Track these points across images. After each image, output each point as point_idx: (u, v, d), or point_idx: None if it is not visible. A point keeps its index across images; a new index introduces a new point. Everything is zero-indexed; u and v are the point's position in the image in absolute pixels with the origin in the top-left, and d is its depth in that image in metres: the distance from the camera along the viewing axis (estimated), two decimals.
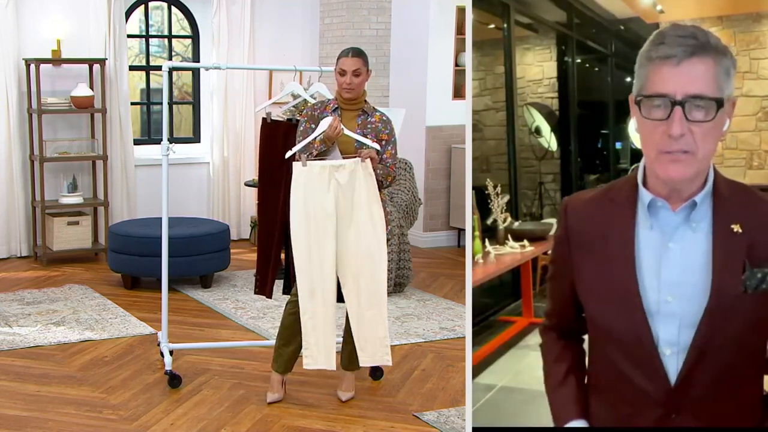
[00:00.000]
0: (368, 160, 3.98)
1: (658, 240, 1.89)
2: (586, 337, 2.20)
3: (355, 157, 4.00)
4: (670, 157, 1.81)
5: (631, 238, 1.91)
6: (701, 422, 1.91)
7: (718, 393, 1.89)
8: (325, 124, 3.99)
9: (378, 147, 4.04)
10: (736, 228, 1.85)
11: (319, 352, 4.06)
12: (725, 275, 1.84)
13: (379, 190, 4.10)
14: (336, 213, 4.00)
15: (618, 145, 6.14)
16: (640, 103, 1.84)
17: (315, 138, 4.04)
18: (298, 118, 4.47)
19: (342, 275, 4.06)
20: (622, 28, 6.06)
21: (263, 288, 4.77)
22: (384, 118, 4.19)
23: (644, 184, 1.92)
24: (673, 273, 1.88)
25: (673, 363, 1.89)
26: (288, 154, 4.09)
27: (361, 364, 4.18)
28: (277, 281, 4.85)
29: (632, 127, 1.94)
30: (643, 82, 1.84)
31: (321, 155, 4.07)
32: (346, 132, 4.03)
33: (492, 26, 5.52)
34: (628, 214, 1.92)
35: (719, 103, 1.79)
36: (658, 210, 1.89)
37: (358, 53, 4.12)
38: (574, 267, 2.02)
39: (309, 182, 3.99)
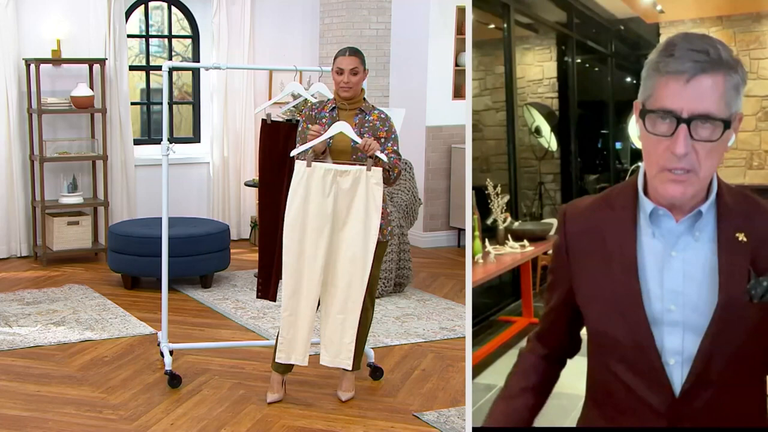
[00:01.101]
0: (376, 169, 3.98)
1: (661, 248, 1.87)
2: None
3: (359, 164, 4.00)
4: (671, 176, 1.77)
5: (632, 244, 1.88)
6: (699, 414, 1.90)
7: (722, 402, 1.87)
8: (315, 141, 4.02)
9: (386, 158, 4.03)
10: (741, 237, 1.82)
11: (292, 349, 4.13)
12: (732, 284, 1.81)
13: (386, 184, 4.09)
14: (332, 216, 4.02)
15: (618, 145, 6.15)
16: (644, 116, 1.80)
17: (310, 148, 4.06)
18: (298, 119, 4.47)
19: (324, 276, 4.10)
20: (622, 28, 6.07)
21: (266, 291, 4.77)
22: (382, 116, 4.19)
23: (645, 191, 1.89)
24: (676, 282, 1.86)
25: (677, 373, 1.87)
26: (293, 153, 4.09)
27: (321, 362, 4.21)
28: (279, 283, 4.86)
29: (632, 126, 1.93)
30: (650, 94, 1.79)
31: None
32: (347, 133, 4.02)
33: (492, 26, 5.53)
34: (629, 220, 1.89)
35: (726, 124, 1.75)
36: (661, 219, 1.87)
37: (354, 52, 4.12)
38: (573, 275, 2.00)
39: (311, 183, 4.00)
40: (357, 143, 4.03)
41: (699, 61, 1.72)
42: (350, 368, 4.18)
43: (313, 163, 4.00)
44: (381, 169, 4.01)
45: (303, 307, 4.10)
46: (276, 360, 4.18)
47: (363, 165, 3.99)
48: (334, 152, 4.12)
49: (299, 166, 4.02)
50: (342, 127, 4.05)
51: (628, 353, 1.90)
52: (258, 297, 4.82)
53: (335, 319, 4.10)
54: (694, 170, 1.76)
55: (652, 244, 1.87)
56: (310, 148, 4.04)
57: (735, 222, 1.83)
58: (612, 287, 1.89)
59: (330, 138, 4.10)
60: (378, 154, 3.99)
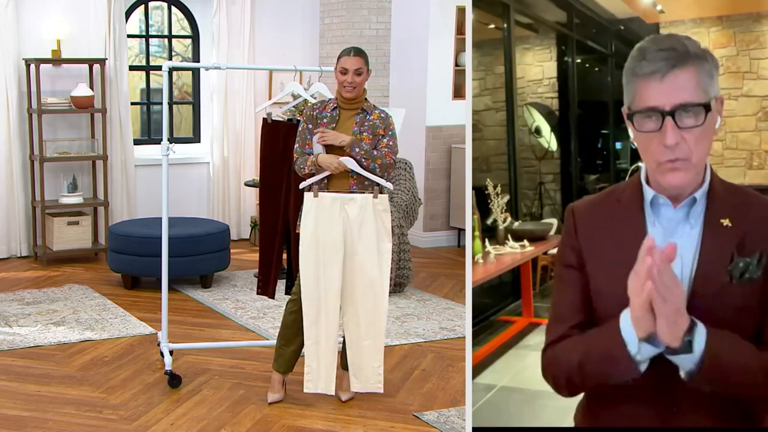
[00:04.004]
0: (382, 196, 4.05)
1: (661, 236, 1.95)
2: None
3: (367, 192, 4.06)
4: (668, 165, 1.89)
5: (641, 234, 1.94)
6: (699, 413, 1.94)
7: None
8: (326, 161, 4.04)
9: (390, 186, 4.10)
10: (726, 222, 1.92)
11: (319, 378, 4.20)
12: (711, 265, 1.91)
13: (374, 173, 4.09)
14: (344, 244, 4.08)
15: (618, 145, 6.14)
16: (632, 117, 1.93)
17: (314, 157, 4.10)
18: (299, 119, 4.47)
19: (343, 303, 4.17)
20: (622, 28, 6.06)
21: (266, 289, 4.78)
22: (383, 115, 4.20)
23: (647, 182, 1.98)
24: (674, 268, 1.90)
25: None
26: (301, 186, 4.15)
27: (351, 389, 4.29)
28: (279, 281, 4.86)
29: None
30: (632, 98, 1.93)
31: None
32: (356, 169, 4.04)
33: (492, 26, 5.52)
34: (637, 213, 1.98)
35: (707, 108, 1.88)
36: (660, 207, 1.96)
37: (359, 52, 4.14)
38: (588, 269, 2.03)
39: (319, 213, 4.08)
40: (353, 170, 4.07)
41: (669, 59, 1.87)
42: (381, 391, 4.25)
43: (320, 194, 4.07)
44: (387, 196, 4.10)
45: (324, 335, 4.16)
46: (304, 390, 4.23)
47: (370, 193, 4.06)
48: (329, 148, 4.14)
49: (307, 196, 4.11)
50: (347, 163, 4.05)
51: None
52: (258, 293, 4.83)
53: (361, 346, 4.19)
54: (687, 158, 1.89)
55: (653, 233, 1.96)
56: (318, 179, 4.09)
57: (722, 209, 1.94)
58: (626, 277, 1.92)
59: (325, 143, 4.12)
60: (348, 163, 4.01)
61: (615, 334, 1.87)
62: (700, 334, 1.81)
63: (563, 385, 2.05)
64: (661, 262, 1.74)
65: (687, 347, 1.81)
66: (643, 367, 1.88)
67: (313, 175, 4.11)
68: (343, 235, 4.08)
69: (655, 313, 1.77)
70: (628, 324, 1.84)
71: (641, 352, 1.85)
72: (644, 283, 1.74)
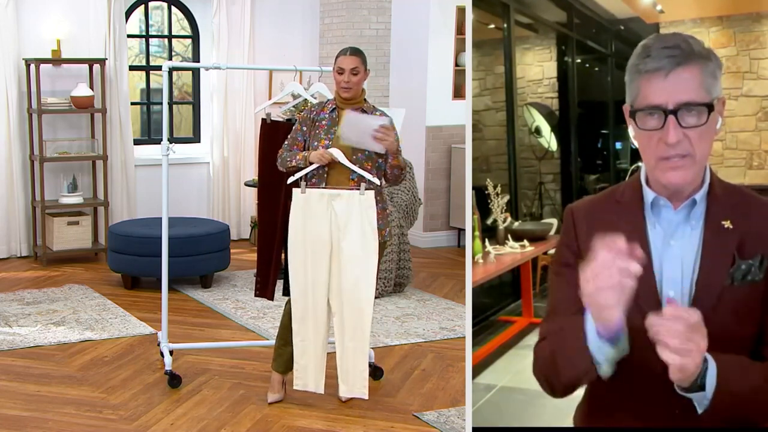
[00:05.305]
0: (368, 192, 4.02)
1: (661, 238, 1.95)
2: None
3: (354, 188, 4.04)
4: (669, 164, 1.88)
5: (644, 237, 1.95)
6: (699, 417, 1.93)
7: None
8: (317, 155, 4.04)
9: (377, 181, 4.08)
10: (727, 224, 1.91)
11: (308, 376, 4.20)
12: (712, 268, 1.90)
13: (388, 183, 4.11)
14: (330, 240, 4.06)
15: (618, 145, 6.14)
16: (634, 115, 1.92)
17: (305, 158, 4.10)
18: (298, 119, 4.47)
19: (332, 303, 4.15)
20: (622, 28, 6.06)
21: (264, 290, 4.77)
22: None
23: (647, 183, 1.98)
24: (674, 270, 1.93)
25: None
26: (289, 181, 4.14)
27: (340, 394, 4.26)
28: (277, 282, 4.85)
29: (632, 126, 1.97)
30: (635, 95, 1.91)
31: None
32: (342, 161, 4.03)
33: (492, 26, 5.52)
34: (637, 215, 1.97)
35: (710, 107, 1.87)
36: (661, 209, 1.95)
37: (356, 52, 4.13)
38: None
39: (307, 209, 4.06)
40: (354, 170, 4.05)
41: (673, 56, 1.85)
42: (366, 397, 4.21)
43: (308, 190, 4.06)
44: (373, 192, 4.05)
45: (312, 332, 4.15)
46: (293, 386, 4.23)
47: (356, 189, 4.03)
48: (333, 142, 4.13)
49: (295, 192, 4.09)
50: (335, 153, 4.05)
51: (636, 340, 1.93)
52: (256, 296, 4.82)
53: (347, 348, 4.15)
54: (690, 155, 1.88)
55: (653, 234, 1.96)
56: (303, 174, 4.08)
57: (723, 210, 1.93)
58: None
59: (330, 138, 4.11)
60: (337, 155, 4.01)
61: (579, 328, 1.87)
62: (711, 374, 1.79)
63: (544, 382, 2.04)
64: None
65: (699, 387, 1.80)
66: (606, 369, 1.86)
67: (300, 169, 4.10)
68: (330, 231, 4.05)
69: (655, 343, 1.75)
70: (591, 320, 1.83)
71: (602, 351, 1.83)
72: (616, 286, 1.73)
